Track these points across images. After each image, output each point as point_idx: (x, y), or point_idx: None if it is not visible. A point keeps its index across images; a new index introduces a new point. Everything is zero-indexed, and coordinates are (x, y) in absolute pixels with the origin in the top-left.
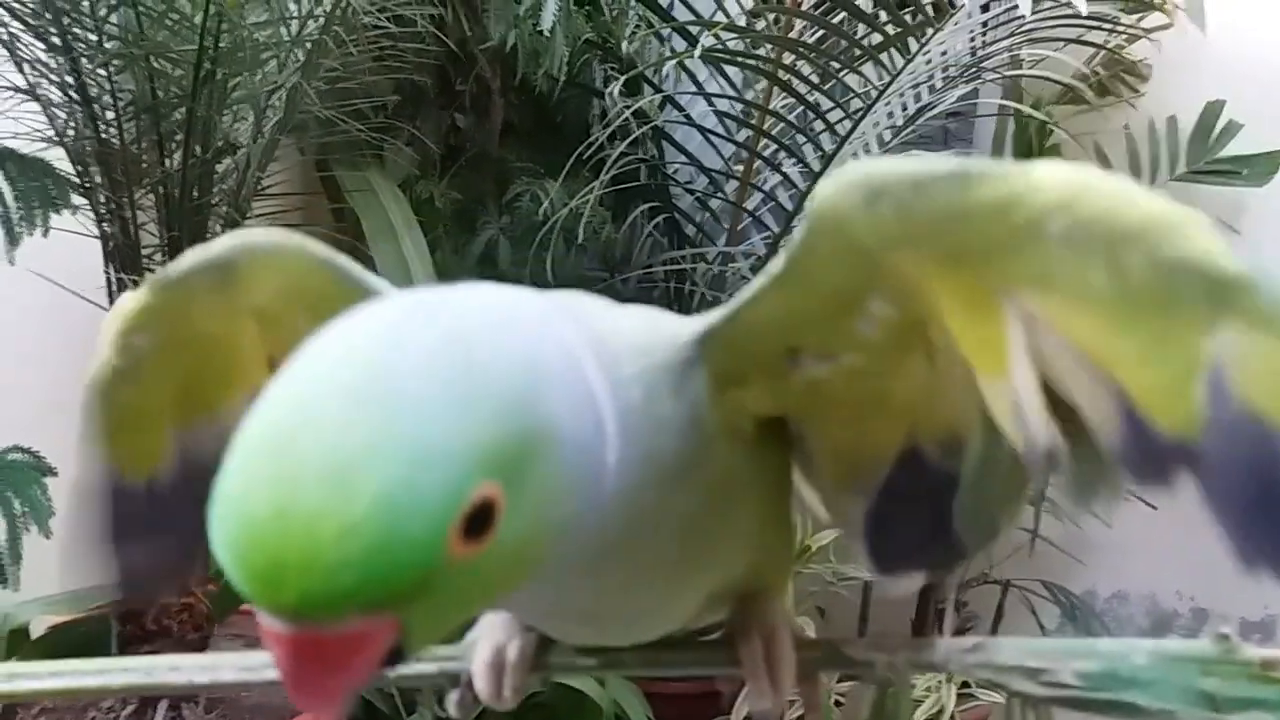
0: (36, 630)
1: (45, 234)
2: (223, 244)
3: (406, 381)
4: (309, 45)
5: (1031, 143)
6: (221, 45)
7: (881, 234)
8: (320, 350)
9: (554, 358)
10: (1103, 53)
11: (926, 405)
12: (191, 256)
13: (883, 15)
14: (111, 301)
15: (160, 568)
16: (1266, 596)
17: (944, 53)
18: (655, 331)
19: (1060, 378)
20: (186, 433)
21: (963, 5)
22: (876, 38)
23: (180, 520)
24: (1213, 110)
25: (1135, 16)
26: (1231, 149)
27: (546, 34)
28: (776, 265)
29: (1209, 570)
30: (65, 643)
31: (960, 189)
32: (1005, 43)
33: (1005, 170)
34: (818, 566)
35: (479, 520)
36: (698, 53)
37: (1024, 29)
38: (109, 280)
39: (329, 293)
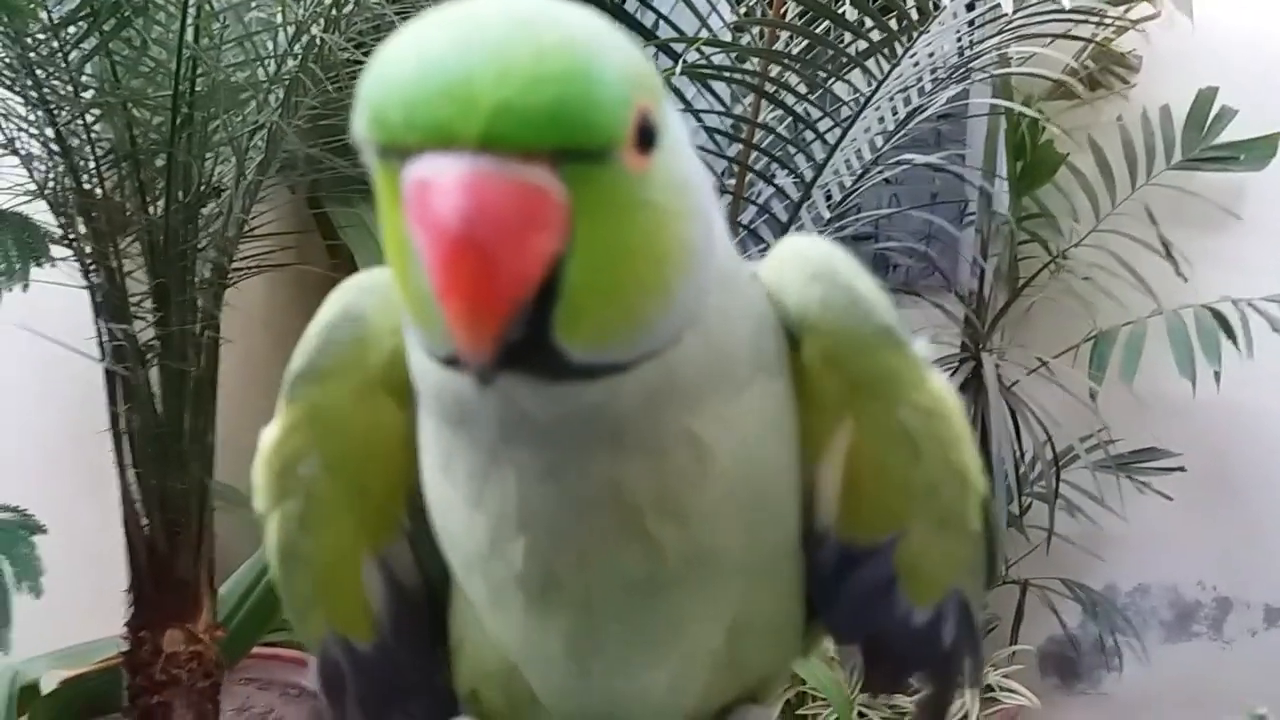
0: (47, 685)
1: (25, 289)
2: (336, 298)
3: (570, 12)
4: (287, 83)
5: (1024, 140)
6: (198, 89)
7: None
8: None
9: None
10: (1092, 46)
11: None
12: (315, 330)
13: (867, 21)
14: (103, 354)
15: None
16: None
17: (931, 54)
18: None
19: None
20: (383, 564)
21: (945, 6)
22: (863, 44)
23: (415, 670)
24: (1206, 97)
25: (1122, 8)
26: (1227, 134)
27: None
28: None
29: (1230, 559)
30: (76, 697)
31: (887, 338)
32: (992, 41)
33: (918, 355)
34: None
35: (645, 136)
36: (679, 69)
37: (1011, 26)
38: (99, 332)
39: None
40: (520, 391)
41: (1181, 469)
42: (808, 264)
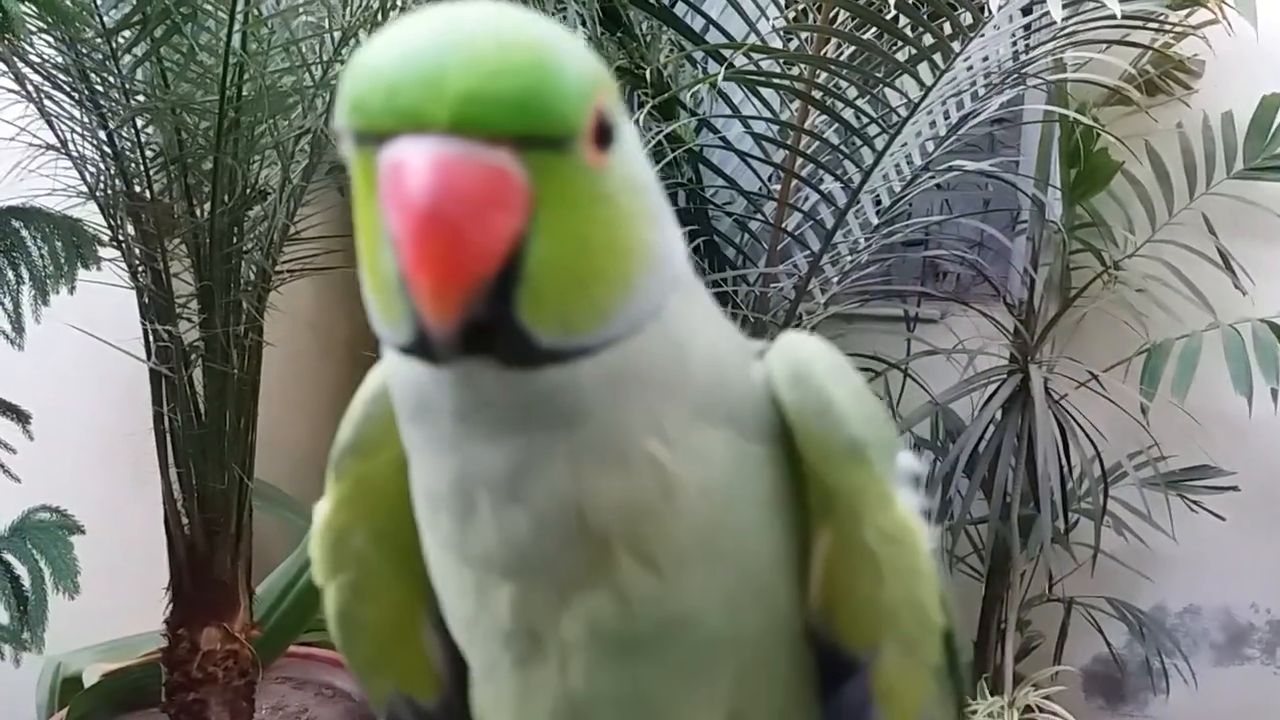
0: (89, 678)
1: (71, 291)
2: (377, 373)
3: (537, 19)
4: (333, 88)
5: (1078, 147)
6: (245, 94)
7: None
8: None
9: None
10: (1151, 51)
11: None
12: (357, 405)
13: (918, 27)
14: (149, 353)
15: None
16: None
17: (985, 59)
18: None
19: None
20: (441, 626)
21: (990, 18)
22: (912, 49)
23: None
24: (1270, 103)
25: (1183, 13)
26: None
27: None
28: None
29: None
30: (116, 690)
31: (853, 453)
32: (1047, 47)
33: (887, 476)
34: None
35: (603, 132)
36: (721, 76)
37: (1065, 32)
38: (146, 333)
39: None
40: (484, 376)
41: (1235, 488)
42: (790, 364)
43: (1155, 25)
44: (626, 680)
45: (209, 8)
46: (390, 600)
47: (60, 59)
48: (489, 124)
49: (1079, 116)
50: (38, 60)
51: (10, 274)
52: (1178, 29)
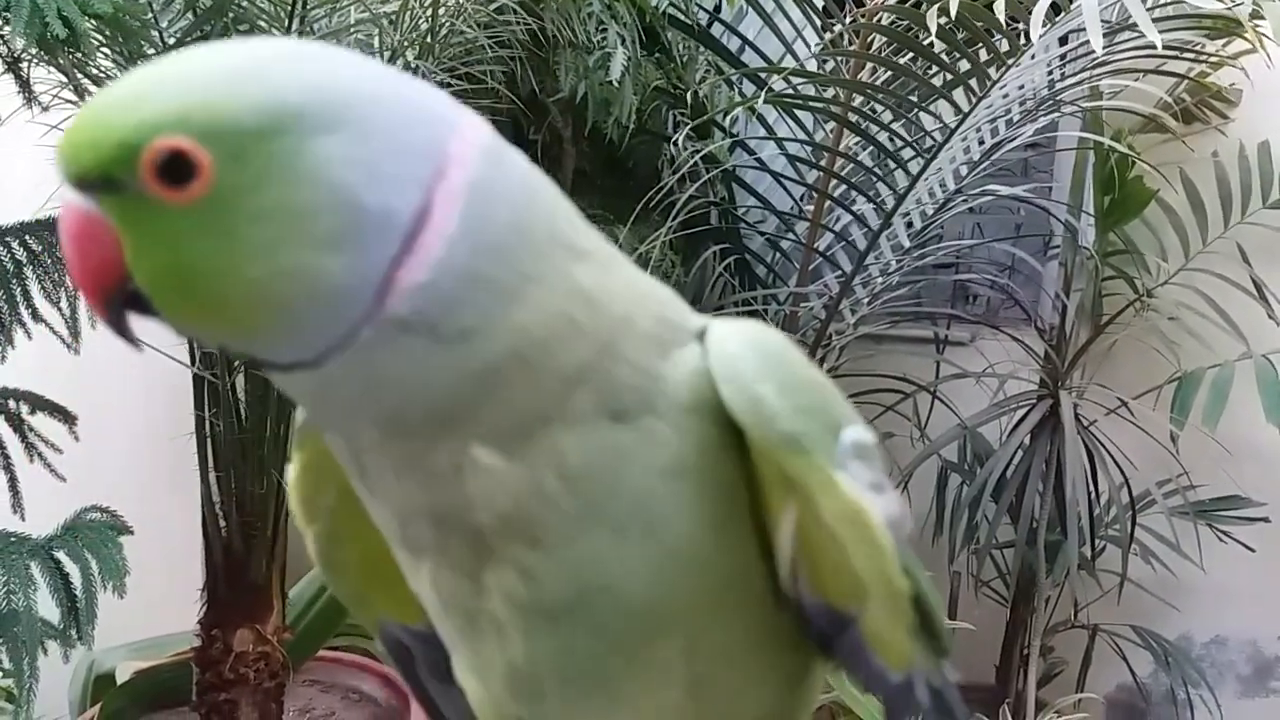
0: (122, 675)
1: None
2: None
3: (186, 63)
4: None
5: (1113, 174)
6: None
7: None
8: None
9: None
10: (1187, 80)
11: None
12: None
13: (954, 53)
14: (193, 358)
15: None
16: None
17: (1021, 87)
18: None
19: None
20: None
21: (1028, 46)
22: (948, 74)
23: None
24: None
25: (1220, 43)
26: None
27: (615, 84)
28: None
29: None
30: (149, 688)
31: (790, 445)
32: (1082, 76)
33: (829, 461)
34: None
35: (176, 169)
36: (762, 99)
37: (1101, 61)
38: (191, 339)
39: None
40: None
41: (1265, 519)
42: (719, 359)
43: (1192, 56)
44: (563, 651)
45: (264, 25)
46: (365, 542)
47: (120, 72)
48: (68, 177)
49: (1114, 144)
50: (98, 74)
51: (69, 281)
52: (1214, 58)
